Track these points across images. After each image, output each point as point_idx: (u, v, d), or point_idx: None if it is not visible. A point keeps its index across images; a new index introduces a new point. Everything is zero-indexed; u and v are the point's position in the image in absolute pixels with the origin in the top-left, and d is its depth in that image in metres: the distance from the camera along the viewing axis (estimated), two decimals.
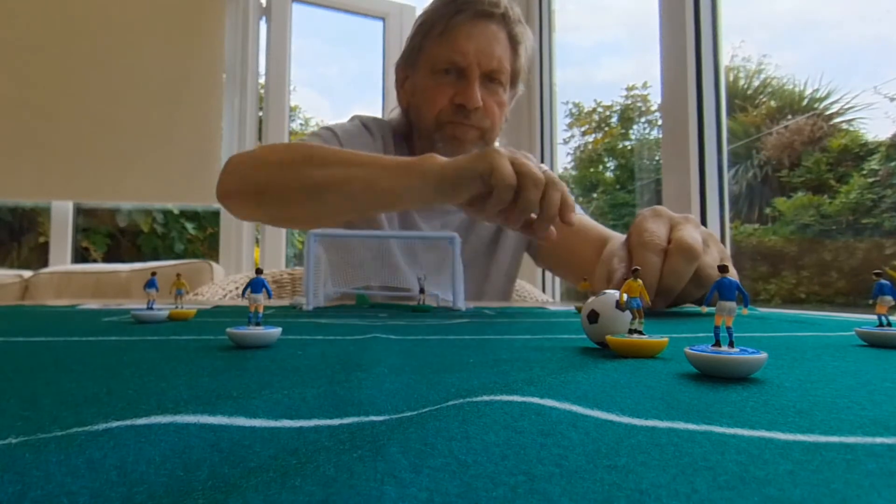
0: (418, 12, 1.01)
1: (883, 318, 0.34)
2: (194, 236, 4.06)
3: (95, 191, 2.13)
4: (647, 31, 1.25)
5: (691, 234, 0.54)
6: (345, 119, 1.03)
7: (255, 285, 0.32)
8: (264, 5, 2.26)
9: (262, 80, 2.27)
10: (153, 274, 0.50)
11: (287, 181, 0.73)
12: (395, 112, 1.05)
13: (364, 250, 0.76)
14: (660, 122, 1.32)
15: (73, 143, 2.06)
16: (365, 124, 0.99)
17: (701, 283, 0.54)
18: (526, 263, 1.50)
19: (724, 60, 1.11)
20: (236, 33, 2.27)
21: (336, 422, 0.16)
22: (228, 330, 0.32)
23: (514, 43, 0.94)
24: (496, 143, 1.05)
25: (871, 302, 0.34)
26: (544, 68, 1.85)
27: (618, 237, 0.89)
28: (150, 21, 2.14)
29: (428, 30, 0.93)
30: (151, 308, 0.48)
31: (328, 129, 0.96)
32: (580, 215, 1.02)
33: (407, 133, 1.01)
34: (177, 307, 0.50)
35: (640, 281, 0.29)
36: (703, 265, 0.53)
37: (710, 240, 0.58)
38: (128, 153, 2.11)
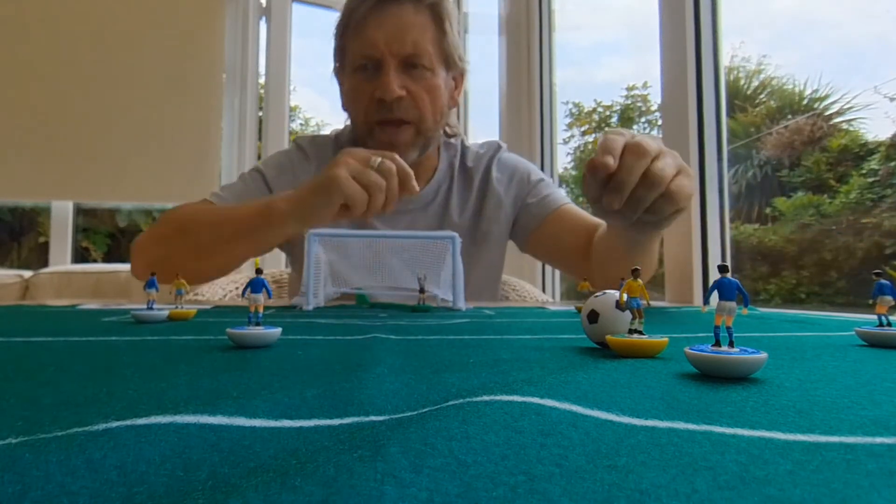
0: None
1: (883, 318, 0.34)
2: None
3: (95, 191, 2.13)
4: (647, 30, 1.25)
5: (646, 140, 0.59)
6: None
7: (255, 285, 0.32)
8: (264, 5, 2.26)
9: (262, 80, 2.27)
10: (153, 274, 0.50)
11: (174, 257, 0.80)
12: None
13: (361, 251, 0.76)
14: (660, 122, 1.32)
15: (73, 143, 2.06)
16: (301, 147, 0.99)
17: (651, 184, 0.58)
18: (527, 264, 1.49)
19: (725, 61, 1.11)
20: (236, 33, 2.27)
21: (336, 422, 0.16)
22: (228, 330, 0.32)
23: (438, 21, 0.88)
24: (456, 131, 1.02)
25: (871, 302, 0.34)
26: (544, 68, 1.85)
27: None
28: (150, 21, 2.14)
29: (343, 28, 0.90)
30: (151, 308, 0.48)
31: (257, 170, 0.96)
32: (568, 204, 1.00)
33: (356, 138, 0.98)
34: (177, 307, 0.50)
35: (640, 281, 0.29)
36: (654, 167, 0.58)
37: (666, 152, 0.62)
38: (128, 153, 2.10)
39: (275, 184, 0.93)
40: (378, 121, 0.87)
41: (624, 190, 0.58)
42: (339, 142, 1.01)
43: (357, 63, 0.87)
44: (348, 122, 1.00)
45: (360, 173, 0.67)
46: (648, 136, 0.62)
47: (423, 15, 0.87)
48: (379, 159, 0.69)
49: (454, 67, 0.93)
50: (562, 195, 1.02)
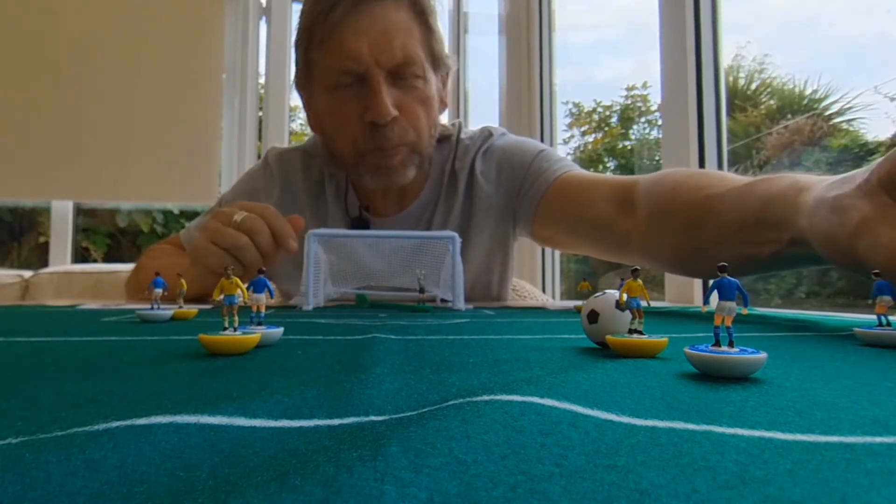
0: None
1: (882, 318, 0.34)
2: None
3: (95, 191, 2.13)
4: (647, 30, 1.26)
5: None
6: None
7: (257, 285, 0.32)
8: (264, 5, 2.26)
9: (262, 80, 2.27)
10: (157, 273, 0.50)
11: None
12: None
13: (361, 251, 0.76)
14: (660, 122, 1.32)
15: (73, 143, 2.06)
16: (268, 163, 0.90)
17: None
18: (527, 264, 1.49)
19: (728, 60, 1.11)
20: (236, 33, 2.27)
21: (336, 422, 0.16)
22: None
23: (421, 17, 0.75)
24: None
25: (870, 302, 0.34)
26: (544, 68, 1.85)
27: (680, 170, 0.71)
28: (150, 21, 2.14)
29: (308, 40, 0.75)
30: (157, 307, 0.48)
31: (220, 203, 0.92)
32: (572, 171, 0.82)
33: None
34: (178, 307, 0.50)
35: (640, 281, 0.29)
36: None
37: None
38: (128, 153, 2.10)
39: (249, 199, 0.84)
40: (373, 148, 0.74)
41: None
42: (308, 156, 0.89)
43: (335, 80, 0.74)
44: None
45: (220, 236, 0.64)
46: None
47: (405, 11, 0.74)
48: (242, 215, 0.64)
49: (442, 67, 0.81)
50: (564, 164, 0.84)
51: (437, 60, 0.79)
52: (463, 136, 0.89)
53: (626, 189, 0.71)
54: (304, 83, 0.81)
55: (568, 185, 0.80)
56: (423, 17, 0.75)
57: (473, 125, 0.95)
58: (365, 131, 0.74)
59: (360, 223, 0.83)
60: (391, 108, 0.71)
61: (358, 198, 0.86)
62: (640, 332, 0.29)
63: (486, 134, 0.89)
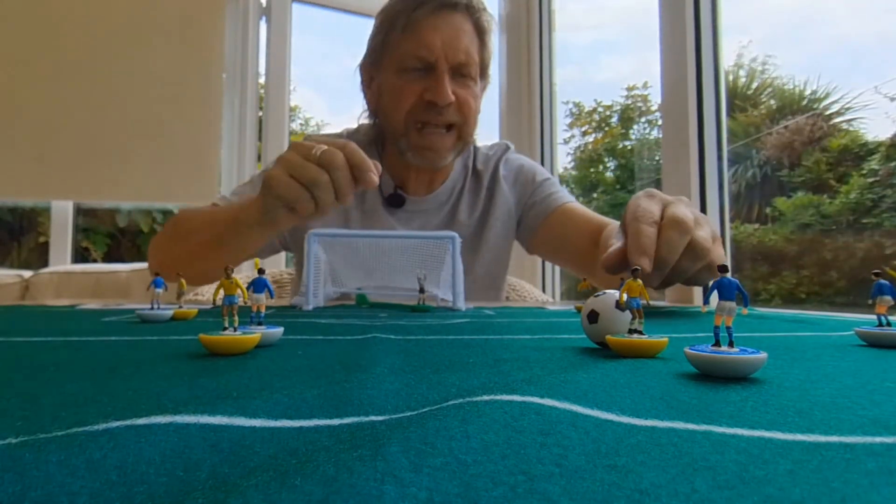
0: None
1: (882, 318, 0.34)
2: None
3: (95, 191, 2.13)
4: (647, 30, 1.25)
5: (682, 210, 0.56)
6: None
7: (257, 285, 0.32)
8: (264, 5, 2.26)
9: (262, 80, 2.27)
10: (157, 274, 0.50)
11: (175, 262, 0.80)
12: (364, 116, 1.01)
13: (362, 251, 0.76)
14: (660, 122, 1.32)
15: (73, 143, 2.06)
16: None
17: (695, 255, 0.55)
18: (527, 264, 1.49)
19: (730, 60, 1.11)
20: (236, 33, 2.27)
21: (336, 422, 0.16)
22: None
23: (480, 33, 0.91)
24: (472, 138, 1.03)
25: (870, 302, 0.34)
26: (544, 68, 1.85)
27: (615, 223, 0.89)
28: (150, 21, 2.14)
29: (390, 26, 0.89)
30: (157, 307, 0.48)
31: (265, 171, 0.98)
32: (572, 203, 1.00)
33: (377, 137, 0.99)
34: (179, 307, 0.50)
35: (640, 281, 0.29)
36: (695, 238, 0.55)
37: (700, 219, 0.59)
38: (128, 153, 2.10)
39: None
40: (424, 121, 0.88)
41: (666, 268, 0.54)
42: (353, 140, 1.02)
43: (407, 63, 0.88)
44: (363, 121, 1.00)
45: (297, 168, 0.62)
46: (680, 201, 0.59)
47: (470, 26, 0.90)
48: (322, 149, 0.63)
49: (485, 79, 0.96)
50: (566, 194, 1.02)
51: (484, 71, 0.95)
52: (479, 145, 1.07)
53: (599, 229, 0.90)
54: (372, 64, 0.95)
55: (567, 215, 0.98)
56: (481, 35, 0.92)
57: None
58: (421, 106, 0.87)
59: (395, 199, 0.97)
60: (450, 94, 0.86)
61: (391, 178, 0.99)
62: (640, 332, 0.29)
63: (504, 146, 1.07)
